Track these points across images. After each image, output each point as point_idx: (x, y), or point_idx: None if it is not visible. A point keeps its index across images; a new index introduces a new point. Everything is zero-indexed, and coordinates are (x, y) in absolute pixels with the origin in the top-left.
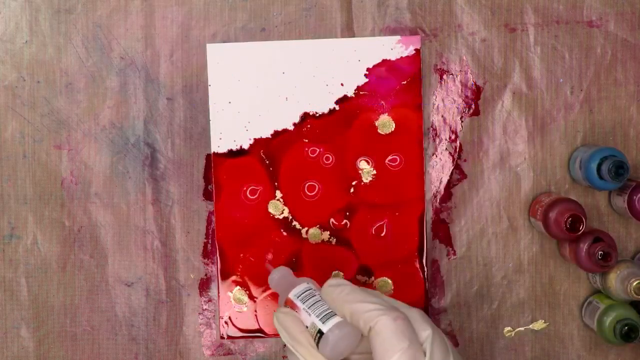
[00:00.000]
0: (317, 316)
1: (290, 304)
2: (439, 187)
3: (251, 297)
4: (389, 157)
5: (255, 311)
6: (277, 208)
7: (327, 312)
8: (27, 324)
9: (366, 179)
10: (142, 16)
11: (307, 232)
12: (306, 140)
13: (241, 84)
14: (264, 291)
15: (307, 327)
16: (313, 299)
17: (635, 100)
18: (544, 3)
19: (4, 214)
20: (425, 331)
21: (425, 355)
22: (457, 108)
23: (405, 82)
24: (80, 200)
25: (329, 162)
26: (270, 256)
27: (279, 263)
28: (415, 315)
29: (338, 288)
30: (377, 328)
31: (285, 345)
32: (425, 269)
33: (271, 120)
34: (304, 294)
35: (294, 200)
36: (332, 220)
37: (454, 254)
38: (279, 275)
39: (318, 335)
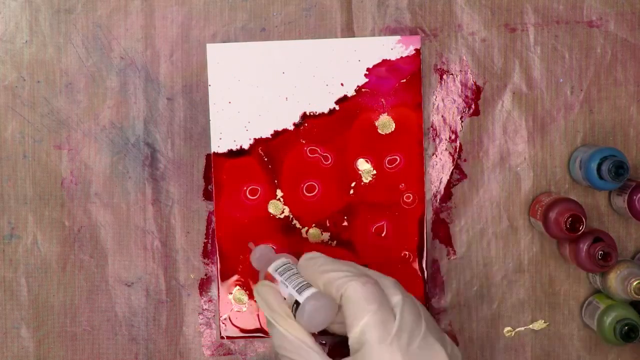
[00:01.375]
0: (294, 287)
1: (269, 278)
2: (439, 187)
3: (251, 297)
4: (389, 157)
5: (257, 311)
6: (277, 208)
7: (303, 284)
8: (27, 324)
9: (366, 179)
10: (142, 16)
11: (307, 232)
12: (305, 141)
13: (241, 84)
14: None
15: (285, 299)
16: (290, 272)
17: (635, 100)
18: (544, 3)
19: (4, 214)
20: (396, 296)
21: (394, 320)
22: (457, 108)
23: (404, 80)
24: (80, 200)
25: (329, 162)
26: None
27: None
28: (387, 282)
29: (312, 260)
30: (347, 294)
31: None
32: (425, 269)
33: (271, 120)
34: (281, 268)
35: (294, 200)
36: (330, 224)
37: (454, 254)
38: (259, 253)
39: (295, 306)
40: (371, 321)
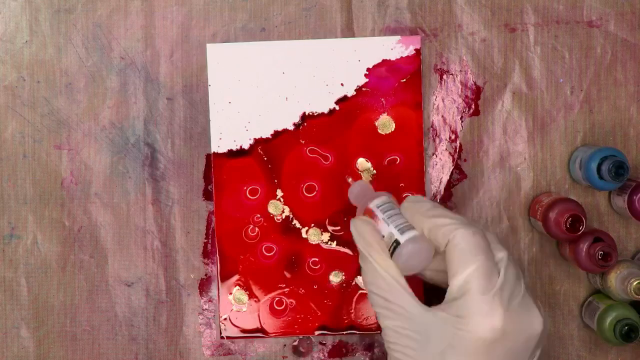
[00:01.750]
0: (395, 227)
1: (369, 214)
2: (439, 187)
3: (251, 297)
4: (389, 157)
5: (258, 310)
6: (277, 208)
7: (405, 225)
8: (27, 324)
9: (366, 179)
10: (142, 16)
11: (307, 232)
12: (305, 141)
13: (241, 84)
14: (265, 294)
15: (383, 236)
16: (393, 211)
17: (635, 100)
18: (544, 3)
19: (4, 214)
20: (501, 252)
21: (498, 275)
22: (457, 108)
23: (404, 80)
24: (80, 200)
25: (329, 162)
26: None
27: (279, 262)
28: (492, 237)
29: (418, 204)
30: (455, 241)
31: (358, 255)
32: None
33: (271, 120)
34: (384, 205)
35: (294, 201)
36: (331, 228)
37: None
38: (359, 188)
39: (394, 245)
40: (476, 271)
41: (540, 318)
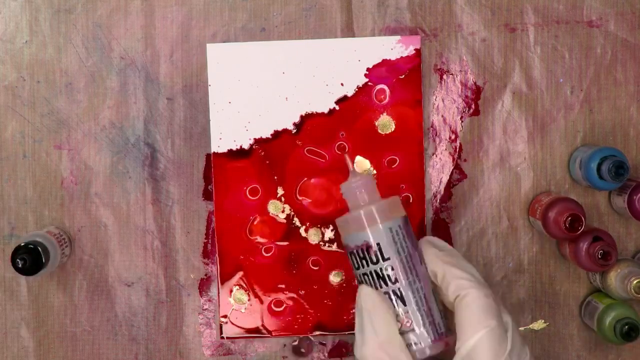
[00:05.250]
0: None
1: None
2: (439, 187)
3: (251, 297)
4: (389, 157)
5: (259, 310)
6: (278, 208)
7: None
8: (27, 324)
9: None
10: (142, 16)
11: (306, 231)
12: (305, 141)
13: (241, 84)
14: (265, 294)
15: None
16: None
17: (635, 100)
18: (544, 3)
19: (4, 214)
20: (506, 316)
21: (507, 340)
22: (457, 108)
23: (403, 76)
24: (80, 200)
25: (329, 162)
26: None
27: (279, 262)
28: (498, 300)
29: (435, 246)
30: (467, 300)
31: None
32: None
33: (271, 120)
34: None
35: (294, 200)
36: (328, 231)
37: None
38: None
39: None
40: (487, 336)
41: None
